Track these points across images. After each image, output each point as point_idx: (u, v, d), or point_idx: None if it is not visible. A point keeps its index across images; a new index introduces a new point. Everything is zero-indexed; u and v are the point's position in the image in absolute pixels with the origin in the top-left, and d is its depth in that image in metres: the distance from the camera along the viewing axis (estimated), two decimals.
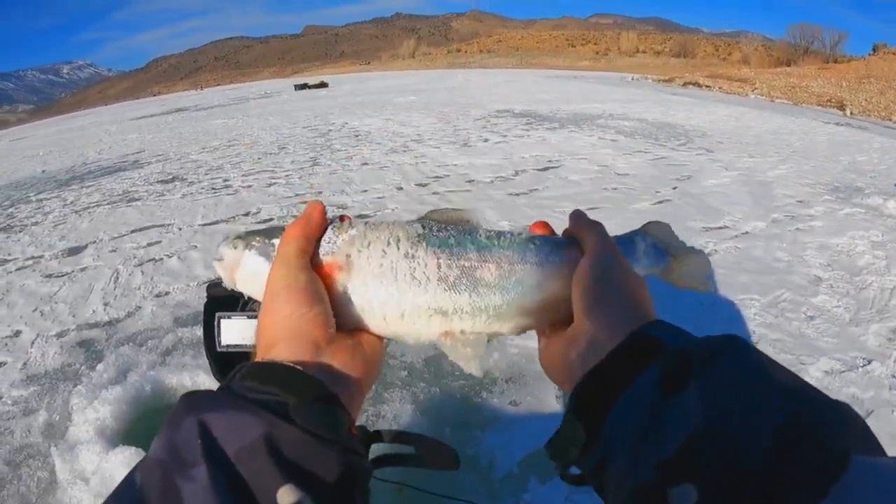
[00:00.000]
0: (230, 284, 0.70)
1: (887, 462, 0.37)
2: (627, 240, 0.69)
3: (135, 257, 5.19)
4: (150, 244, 5.53)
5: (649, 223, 0.73)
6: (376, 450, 0.58)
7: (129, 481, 0.44)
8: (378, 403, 2.87)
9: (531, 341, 2.34)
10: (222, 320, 2.01)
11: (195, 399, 0.47)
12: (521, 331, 0.62)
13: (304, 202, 7.18)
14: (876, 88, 27.80)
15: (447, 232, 0.62)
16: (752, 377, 0.42)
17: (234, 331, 1.82)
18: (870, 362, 3.14)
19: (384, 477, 0.68)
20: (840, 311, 3.73)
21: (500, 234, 0.63)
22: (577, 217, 0.63)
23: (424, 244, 0.61)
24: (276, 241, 0.63)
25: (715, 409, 0.40)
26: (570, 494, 2.33)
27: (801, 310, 3.74)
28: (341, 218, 0.66)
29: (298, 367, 0.51)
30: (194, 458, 0.42)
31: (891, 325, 3.53)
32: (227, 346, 1.98)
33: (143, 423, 2.88)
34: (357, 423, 0.54)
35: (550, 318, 0.60)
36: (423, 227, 0.63)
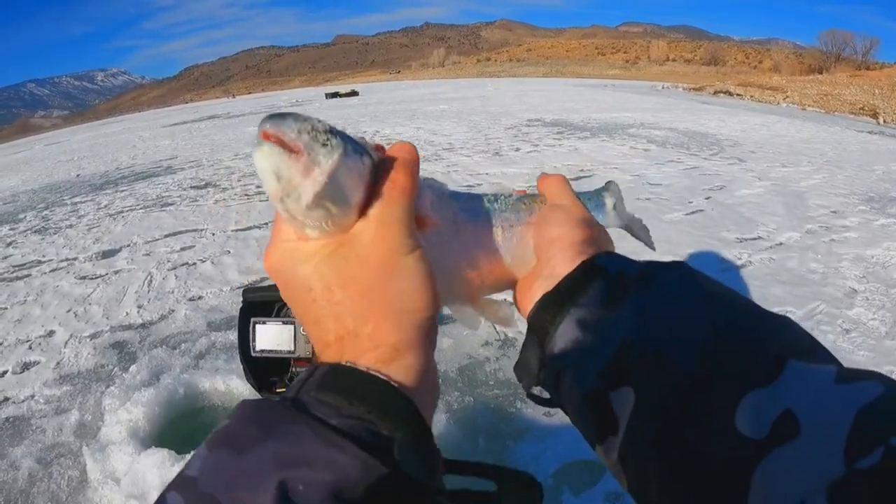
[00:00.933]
0: (286, 191, 0.42)
1: (822, 367, 0.37)
2: (595, 195, 0.69)
3: (168, 261, 5.24)
4: (183, 248, 5.58)
5: (609, 182, 0.73)
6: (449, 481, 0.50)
7: None
8: None
9: None
10: (257, 325, 1.97)
11: (265, 418, 0.38)
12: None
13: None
14: None
15: (476, 199, 0.59)
16: (685, 292, 0.44)
17: (269, 336, 1.79)
18: None
19: None
20: (876, 323, 3.62)
21: (494, 196, 0.60)
22: (541, 176, 0.63)
23: (469, 202, 0.57)
24: (369, 164, 0.47)
25: (646, 319, 0.43)
26: None
27: (837, 322, 3.64)
28: None
29: (390, 381, 0.41)
30: None
31: None
32: (262, 351, 1.95)
33: (176, 426, 2.89)
34: None
35: None
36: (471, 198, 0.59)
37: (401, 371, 0.42)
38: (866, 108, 22.36)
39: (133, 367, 3.37)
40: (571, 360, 0.46)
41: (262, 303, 3.14)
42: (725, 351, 0.39)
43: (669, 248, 4.74)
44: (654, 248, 0.72)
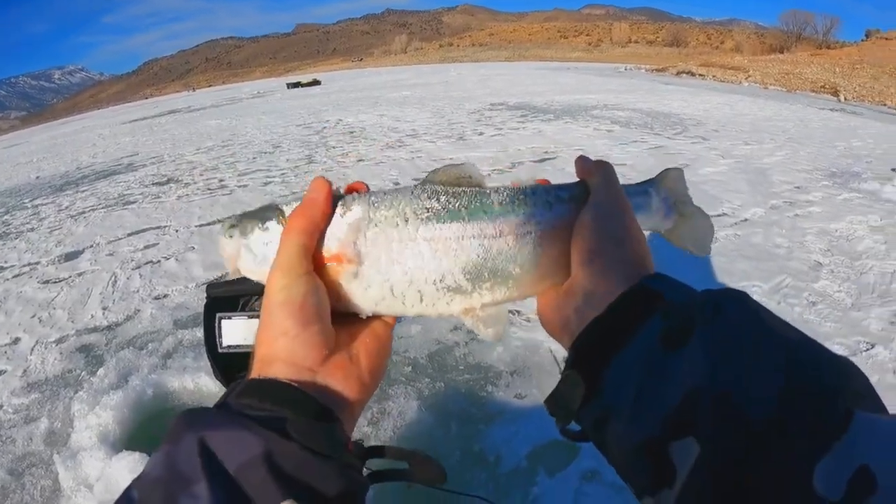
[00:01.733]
0: (236, 275, 0.66)
1: (890, 419, 0.36)
2: (641, 191, 0.66)
3: (132, 260, 5.15)
4: (147, 247, 5.48)
5: (667, 171, 0.71)
6: (372, 464, 0.57)
7: (127, 498, 0.43)
8: (382, 400, 2.84)
9: (536, 333, 2.32)
10: (223, 321, 2.00)
11: (193, 416, 0.46)
12: (543, 291, 0.58)
13: (299, 200, 7.17)
14: (869, 74, 27.77)
15: (457, 200, 0.58)
16: (754, 332, 0.41)
17: (236, 331, 1.80)
18: (873, 346, 3.12)
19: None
20: (842, 295, 3.71)
21: (511, 195, 0.59)
22: (583, 161, 0.61)
23: (435, 221, 0.57)
24: (272, 226, 0.60)
25: (717, 364, 0.39)
26: (579, 486, 2.31)
27: (803, 295, 3.72)
28: (348, 189, 0.62)
29: (295, 384, 0.50)
30: (195, 475, 0.42)
31: (893, 308, 3.51)
32: (229, 346, 1.96)
33: (145, 428, 2.85)
34: (353, 438, 0.53)
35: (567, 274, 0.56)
36: (430, 198, 0.58)
37: (288, 374, 0.51)
38: (827, 86, 22.75)
39: (101, 371, 3.31)
40: (626, 404, 0.43)
41: (226, 297, 3.12)
42: (802, 402, 0.37)
43: None
44: (705, 253, 0.70)
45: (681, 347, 0.41)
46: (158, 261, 5.05)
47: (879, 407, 0.38)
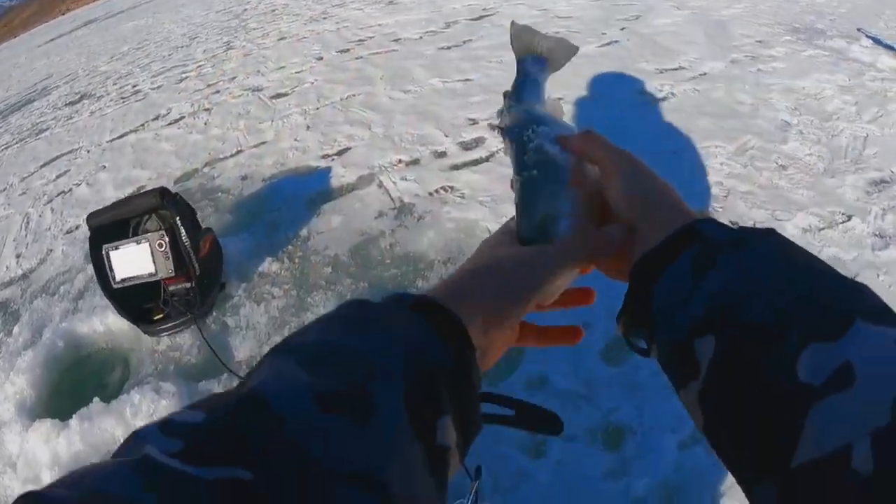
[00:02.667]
0: None
1: (883, 327, 0.39)
2: (531, 83, 0.68)
3: (44, 195, 4.76)
4: (58, 176, 5.06)
5: (513, 37, 0.71)
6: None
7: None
8: (300, 312, 2.54)
9: (471, 211, 2.00)
10: (111, 253, 1.80)
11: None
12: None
13: (217, 92, 6.80)
14: None
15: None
16: (772, 255, 0.48)
17: (127, 262, 1.64)
18: (849, 218, 2.80)
19: None
20: (813, 159, 3.31)
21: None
22: (572, 141, 0.64)
23: None
24: None
25: (733, 277, 0.47)
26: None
27: (772, 158, 3.33)
28: None
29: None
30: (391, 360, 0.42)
31: (867, 176, 3.14)
32: (123, 280, 1.78)
33: (58, 386, 2.64)
34: None
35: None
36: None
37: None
38: None
39: (16, 329, 3.07)
40: (665, 312, 0.50)
41: (111, 224, 2.73)
42: (801, 308, 0.42)
43: (582, 82, 4.35)
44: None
45: (709, 269, 0.48)
46: (69, 189, 4.66)
47: (891, 323, 0.40)
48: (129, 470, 0.30)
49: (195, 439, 0.32)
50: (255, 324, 2.64)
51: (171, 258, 2.43)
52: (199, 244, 2.52)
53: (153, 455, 0.31)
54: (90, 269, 3.29)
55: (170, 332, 2.60)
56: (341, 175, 3.33)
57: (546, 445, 2.00)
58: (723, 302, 0.45)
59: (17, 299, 3.44)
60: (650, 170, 0.60)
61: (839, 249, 2.62)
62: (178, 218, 2.46)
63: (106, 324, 2.79)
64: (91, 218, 2.59)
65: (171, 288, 2.59)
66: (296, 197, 3.27)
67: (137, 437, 0.33)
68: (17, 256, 3.90)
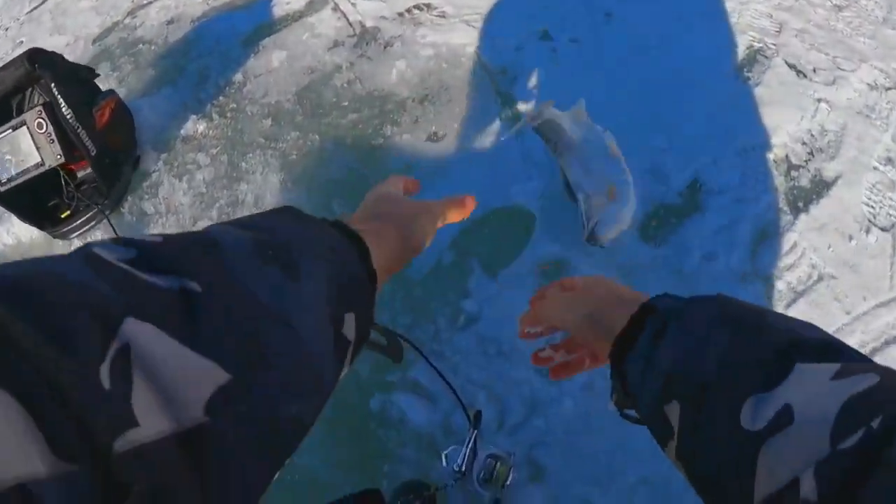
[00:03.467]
0: None
1: (820, 367, 0.43)
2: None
3: None
4: None
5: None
6: None
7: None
8: (234, 182, 1.92)
9: (454, 33, 1.65)
10: None
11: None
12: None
13: None
14: None
15: None
16: (709, 322, 0.53)
17: (10, 155, 1.66)
18: None
19: None
20: (871, 5, 2.38)
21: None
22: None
23: None
24: None
25: (681, 347, 0.53)
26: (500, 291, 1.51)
27: None
28: None
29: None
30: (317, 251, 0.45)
31: None
32: (10, 179, 1.60)
33: None
34: None
35: None
36: None
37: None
38: None
39: None
40: (636, 388, 0.58)
41: None
42: (738, 365, 0.48)
43: None
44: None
45: (661, 340, 0.56)
46: None
47: (833, 360, 0.44)
48: (79, 262, 0.31)
49: (151, 251, 0.34)
50: (178, 206, 2.04)
51: (55, 139, 1.81)
52: (91, 114, 1.89)
53: (103, 255, 0.32)
54: None
55: (78, 231, 2.02)
56: (286, 2, 2.57)
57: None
58: (675, 371, 0.52)
59: None
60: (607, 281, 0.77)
61: None
62: (53, 85, 1.81)
63: (14, 233, 2.22)
64: None
65: (80, 175, 2.00)
66: (229, 36, 2.50)
67: (88, 245, 0.34)
68: None
